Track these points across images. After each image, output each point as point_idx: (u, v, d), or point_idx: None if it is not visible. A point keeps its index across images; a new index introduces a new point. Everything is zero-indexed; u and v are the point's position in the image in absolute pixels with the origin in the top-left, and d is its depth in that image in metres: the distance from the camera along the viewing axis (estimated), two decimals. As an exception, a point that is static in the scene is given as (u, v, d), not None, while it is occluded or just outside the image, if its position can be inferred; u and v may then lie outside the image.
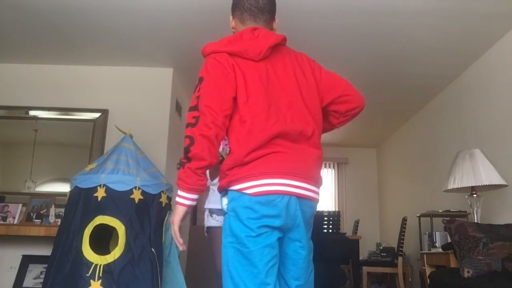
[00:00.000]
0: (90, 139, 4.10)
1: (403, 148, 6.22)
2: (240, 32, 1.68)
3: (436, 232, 3.92)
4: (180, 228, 1.59)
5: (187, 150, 1.51)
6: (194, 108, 1.55)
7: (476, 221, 3.24)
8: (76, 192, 2.82)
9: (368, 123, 6.10)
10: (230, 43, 1.64)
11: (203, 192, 1.58)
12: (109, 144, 3.93)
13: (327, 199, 7.24)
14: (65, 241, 2.68)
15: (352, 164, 7.34)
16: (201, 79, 1.59)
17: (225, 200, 1.56)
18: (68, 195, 2.97)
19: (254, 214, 1.47)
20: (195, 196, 1.55)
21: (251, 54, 1.62)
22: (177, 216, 1.56)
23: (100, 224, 2.67)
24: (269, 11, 1.75)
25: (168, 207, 3.03)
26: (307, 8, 3.21)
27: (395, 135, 6.57)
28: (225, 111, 1.53)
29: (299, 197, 1.53)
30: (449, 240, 3.20)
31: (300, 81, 1.67)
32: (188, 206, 1.56)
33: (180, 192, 1.54)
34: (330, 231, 4.83)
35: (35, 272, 3.60)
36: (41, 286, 3.18)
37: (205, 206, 2.43)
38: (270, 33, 1.69)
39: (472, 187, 3.30)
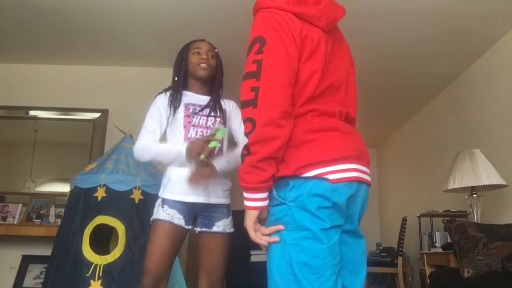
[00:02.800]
0: (90, 139, 4.10)
1: (403, 148, 6.22)
2: None
3: (436, 232, 3.92)
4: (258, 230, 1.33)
5: (247, 136, 1.24)
6: (252, 75, 1.26)
7: (476, 221, 3.23)
8: (76, 192, 2.82)
9: (368, 123, 6.10)
10: (298, 3, 1.36)
11: (270, 187, 1.31)
12: (109, 144, 3.92)
13: (327, 199, 7.23)
14: (65, 241, 2.68)
15: (352, 164, 7.31)
16: (261, 41, 1.28)
17: (281, 190, 1.30)
18: (68, 195, 2.97)
19: (328, 202, 1.27)
20: (263, 195, 1.29)
21: (323, 23, 1.38)
22: (248, 221, 1.31)
23: (100, 224, 2.67)
24: None
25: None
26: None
27: (395, 135, 6.56)
28: (292, 86, 1.29)
29: (362, 182, 1.38)
30: (449, 240, 3.20)
31: (350, 61, 1.54)
32: (259, 208, 1.30)
33: (244, 194, 1.29)
34: (330, 231, 4.83)
35: (35, 272, 3.60)
36: (41, 286, 3.18)
37: (160, 194, 2.10)
38: (334, 2, 1.48)
39: (472, 187, 3.30)
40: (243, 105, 1.27)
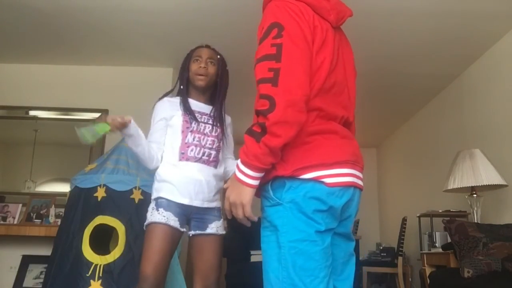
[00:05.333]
0: (90, 139, 4.10)
1: (403, 148, 6.22)
2: None
3: (436, 232, 3.92)
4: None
5: (263, 115, 1.19)
6: (271, 57, 1.21)
7: (476, 221, 3.24)
8: (76, 192, 2.81)
9: (368, 123, 6.10)
10: None
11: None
12: (109, 144, 3.92)
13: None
14: (65, 241, 2.68)
15: (352, 164, 7.32)
16: (278, 26, 1.25)
17: (277, 190, 1.30)
18: (68, 195, 2.97)
19: (323, 206, 1.26)
20: (262, 175, 1.27)
21: (333, 17, 1.38)
22: (248, 197, 1.27)
23: (100, 224, 2.67)
24: None
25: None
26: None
27: (395, 135, 6.56)
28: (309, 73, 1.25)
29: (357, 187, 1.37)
30: (449, 240, 3.20)
31: (353, 65, 1.52)
32: (256, 187, 1.28)
33: (248, 171, 1.25)
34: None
35: (35, 272, 3.59)
36: (41, 286, 3.18)
37: (154, 197, 2.06)
38: (342, 2, 1.47)
39: (472, 187, 3.30)
40: (260, 81, 1.22)
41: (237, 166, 1.28)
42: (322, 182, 1.27)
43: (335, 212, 1.31)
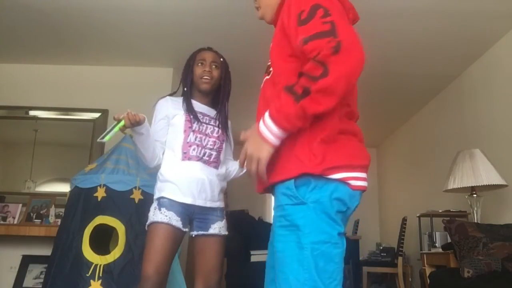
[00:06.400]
0: (90, 139, 4.10)
1: (403, 148, 6.22)
2: None
3: (436, 232, 3.92)
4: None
5: (313, 79, 1.15)
6: (327, 33, 1.17)
7: (476, 221, 3.24)
8: (76, 192, 2.82)
9: (368, 123, 6.10)
10: None
11: None
12: (109, 144, 3.92)
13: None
14: (65, 241, 2.68)
15: (352, 164, 7.32)
16: (324, 8, 1.23)
17: (301, 188, 1.25)
18: (68, 195, 2.97)
19: (344, 207, 1.26)
20: (284, 135, 1.24)
21: (351, 15, 1.42)
22: (267, 154, 1.24)
23: (100, 224, 2.67)
24: None
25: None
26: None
27: (395, 135, 6.56)
28: None
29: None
30: (449, 240, 3.20)
31: None
32: (274, 147, 1.25)
33: (273, 127, 1.21)
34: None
35: (35, 272, 3.59)
36: (41, 286, 3.18)
37: (156, 197, 2.05)
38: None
39: (472, 187, 3.30)
40: (317, 36, 1.18)
41: (263, 118, 1.24)
42: (348, 184, 1.26)
43: (349, 215, 1.31)
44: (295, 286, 1.21)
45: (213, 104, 2.23)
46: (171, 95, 2.26)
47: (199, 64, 2.17)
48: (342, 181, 1.25)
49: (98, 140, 1.80)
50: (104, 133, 1.82)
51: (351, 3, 1.45)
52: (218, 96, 2.23)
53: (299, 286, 1.20)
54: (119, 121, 1.89)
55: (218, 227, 2.10)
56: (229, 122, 2.28)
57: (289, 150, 1.27)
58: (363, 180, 1.32)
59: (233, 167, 2.26)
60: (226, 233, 2.15)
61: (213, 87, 2.18)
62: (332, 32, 1.17)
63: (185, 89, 2.19)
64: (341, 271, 1.25)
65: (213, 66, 2.17)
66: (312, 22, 1.22)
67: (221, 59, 2.23)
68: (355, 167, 1.29)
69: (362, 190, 1.32)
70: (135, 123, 1.91)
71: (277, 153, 1.27)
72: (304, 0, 1.28)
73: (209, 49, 2.25)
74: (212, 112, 2.21)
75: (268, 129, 1.23)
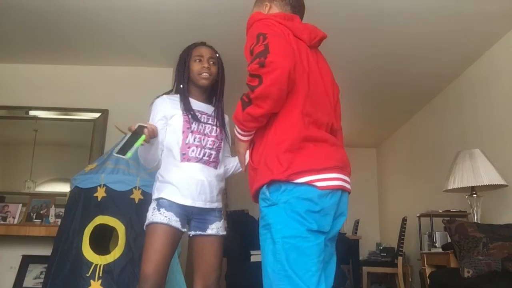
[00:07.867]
0: (90, 139, 4.11)
1: (403, 148, 6.22)
2: (290, 15, 1.69)
3: (436, 232, 3.92)
4: None
5: (251, 89, 1.44)
6: (260, 53, 1.43)
7: (476, 221, 3.24)
8: (76, 192, 2.82)
9: (368, 123, 6.10)
10: (285, 18, 1.64)
11: None
12: (109, 144, 3.93)
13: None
14: (65, 241, 2.68)
15: (352, 164, 7.17)
16: (263, 35, 1.49)
17: (274, 192, 1.47)
18: (68, 195, 2.97)
19: (316, 206, 1.44)
20: (249, 133, 1.61)
21: (306, 36, 1.63)
22: (243, 148, 1.65)
23: (100, 224, 2.67)
24: (303, 11, 1.83)
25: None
26: (307, 7, 3.20)
27: (395, 135, 6.57)
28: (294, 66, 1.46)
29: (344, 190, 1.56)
30: (449, 240, 3.20)
31: (332, 78, 1.74)
32: (249, 141, 1.63)
33: (237, 129, 1.60)
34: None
35: (35, 272, 3.60)
36: (41, 286, 3.18)
37: (155, 197, 2.04)
38: (316, 27, 1.73)
39: (472, 187, 3.30)
40: (252, 68, 1.44)
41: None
42: (314, 185, 1.44)
43: (327, 214, 1.47)
44: (272, 276, 1.41)
45: (209, 100, 2.22)
46: (167, 93, 2.23)
47: (197, 60, 2.14)
48: (309, 183, 1.44)
49: (116, 154, 1.75)
50: (120, 146, 1.76)
51: (305, 26, 1.67)
52: (214, 92, 2.21)
53: (274, 276, 1.40)
54: (136, 133, 1.80)
55: (216, 228, 2.10)
56: (226, 117, 2.26)
57: (263, 162, 1.51)
58: (333, 180, 1.49)
59: (231, 164, 2.25)
60: (225, 233, 2.14)
61: (211, 83, 2.17)
62: (264, 51, 1.42)
63: (181, 86, 2.15)
64: (315, 263, 1.40)
65: (211, 62, 2.15)
66: (255, 48, 1.48)
67: (217, 55, 2.21)
68: (319, 170, 1.46)
69: (334, 188, 1.49)
70: (153, 136, 1.88)
71: (258, 166, 1.54)
72: (254, 31, 1.57)
73: (204, 44, 2.22)
74: (209, 109, 2.18)
75: (236, 130, 1.62)
